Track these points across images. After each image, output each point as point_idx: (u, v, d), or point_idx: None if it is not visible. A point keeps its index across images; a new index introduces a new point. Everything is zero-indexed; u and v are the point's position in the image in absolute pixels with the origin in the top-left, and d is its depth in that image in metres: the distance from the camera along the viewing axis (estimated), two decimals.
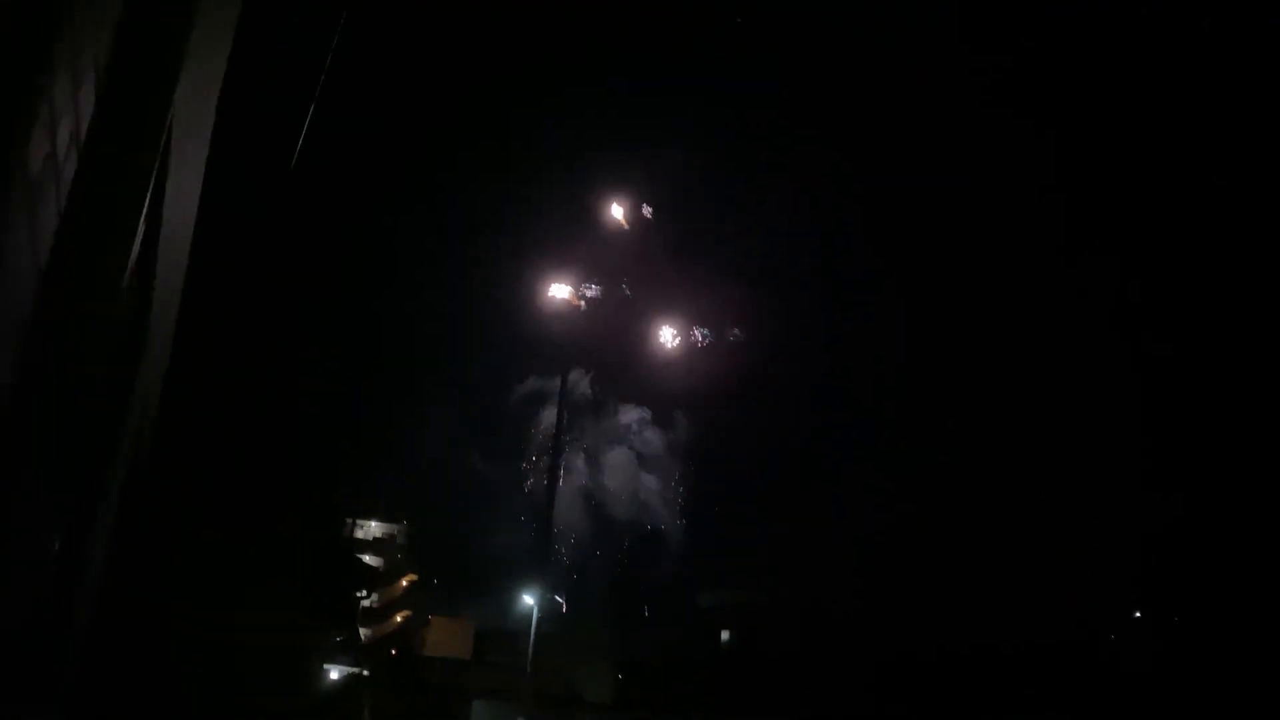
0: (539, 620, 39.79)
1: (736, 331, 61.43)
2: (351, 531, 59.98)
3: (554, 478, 44.32)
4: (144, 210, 3.47)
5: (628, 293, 56.20)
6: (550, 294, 48.48)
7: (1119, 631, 49.94)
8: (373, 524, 63.26)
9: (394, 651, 53.04)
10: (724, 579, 61.96)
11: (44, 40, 1.90)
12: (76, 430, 3.56)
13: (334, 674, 40.18)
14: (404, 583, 60.09)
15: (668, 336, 56.15)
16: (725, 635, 59.27)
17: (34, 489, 3.20)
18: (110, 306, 3.29)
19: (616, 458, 70.98)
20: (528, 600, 46.10)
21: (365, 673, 42.46)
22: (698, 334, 58.30)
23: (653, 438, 71.94)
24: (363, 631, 51.79)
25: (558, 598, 51.35)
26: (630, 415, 72.03)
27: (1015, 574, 49.97)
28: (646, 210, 57.78)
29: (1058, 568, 50.16)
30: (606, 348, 61.43)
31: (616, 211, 55.45)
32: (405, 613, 58.29)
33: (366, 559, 57.71)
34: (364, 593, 52.30)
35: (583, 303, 49.08)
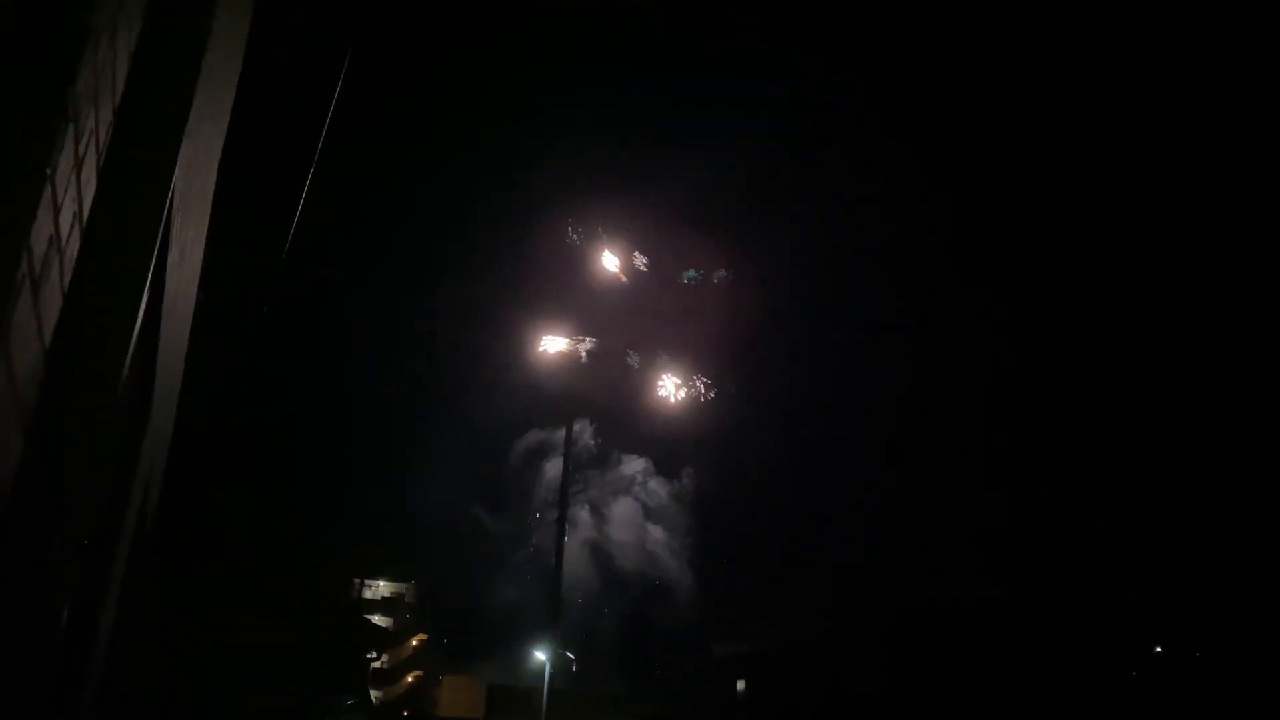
0: (550, 676, 39.28)
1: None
2: (360, 591, 59.50)
3: (561, 531, 44.05)
4: (147, 282, 3.50)
5: (631, 359, 56.19)
6: (546, 348, 48.63)
7: (1140, 669, 49.17)
8: (381, 583, 62.76)
9: (406, 713, 52.32)
10: (737, 629, 61.24)
11: (49, 123, 1.93)
12: (82, 507, 3.55)
13: None
14: (414, 642, 59.39)
15: (670, 387, 56.01)
16: (741, 685, 58.40)
17: (40, 564, 3.18)
18: (116, 380, 3.30)
19: (623, 508, 70.61)
20: (539, 657, 45.59)
21: None
22: (699, 383, 58.09)
23: (658, 488, 71.61)
24: (374, 693, 51.13)
25: (569, 654, 50.77)
26: (635, 465, 71.77)
27: (1036, 609, 49.32)
28: (640, 260, 57.97)
29: (1080, 604, 49.53)
30: (609, 398, 61.40)
31: (611, 262, 55.66)
32: (416, 673, 57.53)
33: (376, 619, 57.22)
34: (374, 654, 51.77)
35: (584, 353, 49.14)
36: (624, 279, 55.99)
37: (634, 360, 56.80)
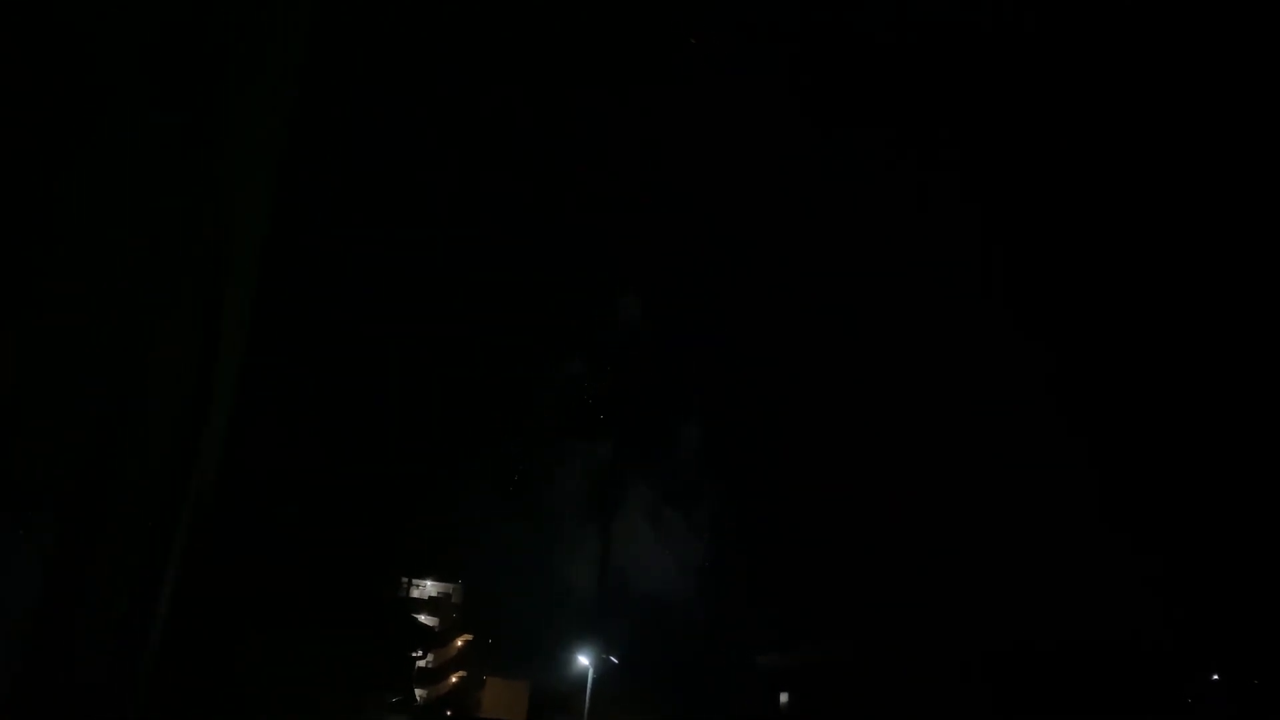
0: (593, 680, 39.45)
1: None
2: (407, 591, 59.98)
3: (606, 537, 44.25)
4: (210, 290, 3.69)
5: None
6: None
7: (1196, 696, 48.15)
8: (428, 583, 63.20)
9: (449, 713, 52.76)
10: (781, 642, 60.93)
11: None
12: (146, 493, 3.75)
13: None
14: (459, 643, 59.80)
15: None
16: (784, 698, 58.08)
17: (113, 526, 3.37)
18: (179, 379, 3.49)
19: (669, 515, 70.56)
20: (583, 661, 45.78)
21: None
22: None
23: (707, 495, 71.48)
24: (418, 692, 51.64)
25: (613, 658, 50.86)
26: (680, 472, 71.66)
27: (1087, 634, 48.55)
28: None
29: (1134, 627, 48.73)
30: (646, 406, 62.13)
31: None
32: (460, 673, 57.94)
33: (422, 618, 57.71)
34: (419, 652, 52.22)
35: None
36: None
37: None
